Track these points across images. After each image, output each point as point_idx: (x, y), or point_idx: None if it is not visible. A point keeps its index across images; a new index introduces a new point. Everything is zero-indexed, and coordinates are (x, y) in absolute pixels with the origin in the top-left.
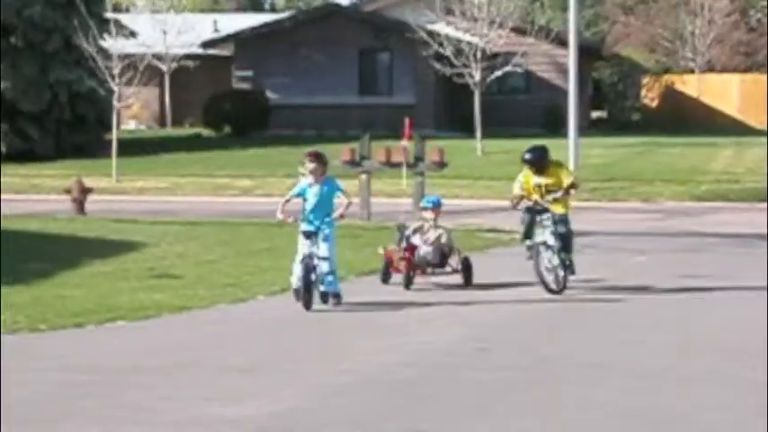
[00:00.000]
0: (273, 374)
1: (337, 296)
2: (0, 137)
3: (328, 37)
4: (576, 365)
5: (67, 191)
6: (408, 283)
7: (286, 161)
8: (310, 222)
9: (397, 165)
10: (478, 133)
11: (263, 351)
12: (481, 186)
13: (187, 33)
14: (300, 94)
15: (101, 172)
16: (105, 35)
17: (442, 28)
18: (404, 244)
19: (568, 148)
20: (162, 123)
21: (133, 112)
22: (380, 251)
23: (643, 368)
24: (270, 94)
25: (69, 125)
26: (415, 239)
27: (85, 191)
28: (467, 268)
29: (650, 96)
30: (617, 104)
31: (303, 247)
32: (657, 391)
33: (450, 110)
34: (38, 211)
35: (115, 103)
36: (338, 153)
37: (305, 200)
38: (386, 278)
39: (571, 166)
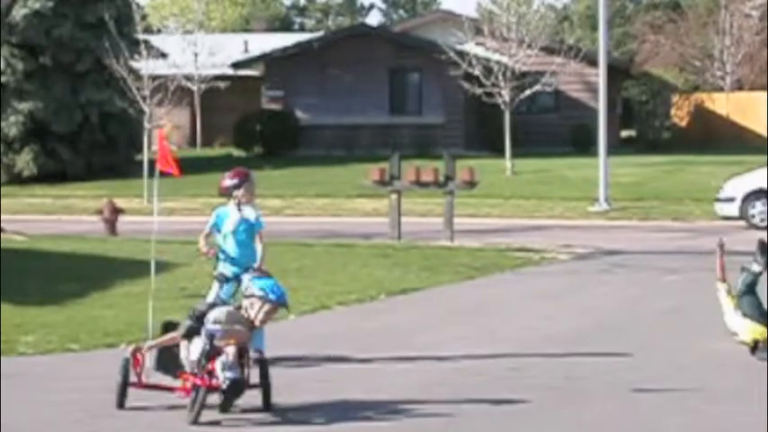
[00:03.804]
0: (305, 395)
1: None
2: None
3: (358, 57)
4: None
5: (99, 212)
6: (196, 416)
7: (316, 181)
8: (233, 262)
9: (428, 184)
10: (508, 152)
11: (295, 373)
12: (511, 205)
13: (217, 54)
14: (330, 113)
15: (131, 193)
16: (136, 56)
17: (471, 48)
18: (203, 341)
19: (598, 167)
20: (192, 144)
21: (165, 132)
22: (126, 353)
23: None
24: (300, 114)
25: (100, 146)
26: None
27: (116, 211)
28: (264, 375)
29: (680, 115)
30: (647, 123)
31: (213, 293)
32: (687, 409)
33: (480, 129)
34: (69, 232)
35: (146, 123)
36: (368, 173)
37: (219, 231)
38: (122, 399)
39: (601, 184)
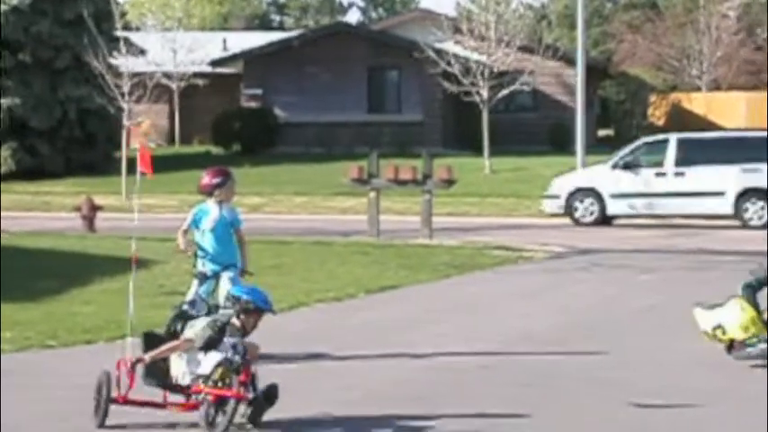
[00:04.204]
0: (284, 393)
1: None
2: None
3: (337, 55)
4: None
5: (77, 208)
6: (225, 429)
7: (294, 179)
8: (211, 259)
9: (406, 182)
10: (486, 151)
11: (270, 368)
12: (489, 204)
13: (196, 52)
14: (309, 111)
15: (110, 189)
16: (115, 53)
17: (450, 46)
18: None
19: (576, 166)
20: (171, 141)
21: (143, 129)
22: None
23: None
24: (278, 112)
25: (79, 142)
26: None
27: (95, 208)
28: (270, 398)
29: (657, 114)
30: (624, 122)
31: (192, 291)
32: (664, 408)
33: (458, 128)
34: (48, 229)
35: (125, 120)
36: (346, 170)
37: (198, 228)
38: (104, 417)
39: None
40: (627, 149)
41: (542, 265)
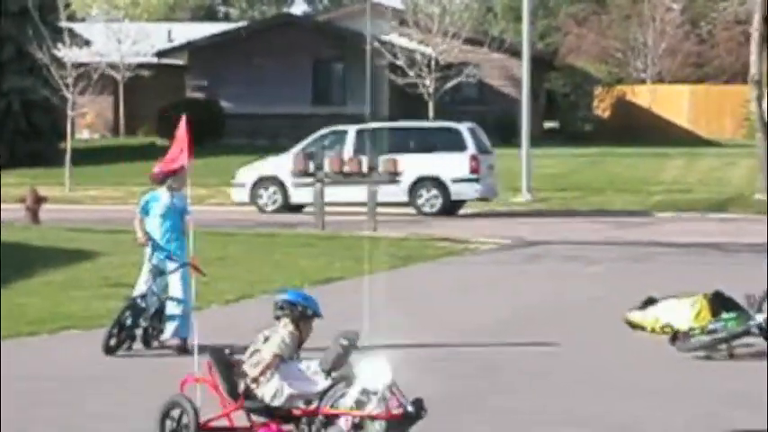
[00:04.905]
0: None
1: (183, 340)
2: None
3: (283, 47)
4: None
5: (21, 200)
6: None
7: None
8: (159, 248)
9: (351, 175)
10: None
11: None
12: None
13: (141, 42)
14: (254, 103)
15: (54, 181)
16: (59, 44)
17: (395, 39)
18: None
19: (521, 159)
20: (116, 132)
21: (88, 121)
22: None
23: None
24: (224, 104)
25: (23, 134)
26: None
27: (39, 200)
28: (419, 412)
29: (602, 107)
30: (569, 115)
31: (141, 283)
32: (609, 399)
33: (404, 120)
34: None
35: (69, 112)
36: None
37: (147, 215)
38: None
39: (523, 175)
40: (310, 138)
41: (488, 257)
